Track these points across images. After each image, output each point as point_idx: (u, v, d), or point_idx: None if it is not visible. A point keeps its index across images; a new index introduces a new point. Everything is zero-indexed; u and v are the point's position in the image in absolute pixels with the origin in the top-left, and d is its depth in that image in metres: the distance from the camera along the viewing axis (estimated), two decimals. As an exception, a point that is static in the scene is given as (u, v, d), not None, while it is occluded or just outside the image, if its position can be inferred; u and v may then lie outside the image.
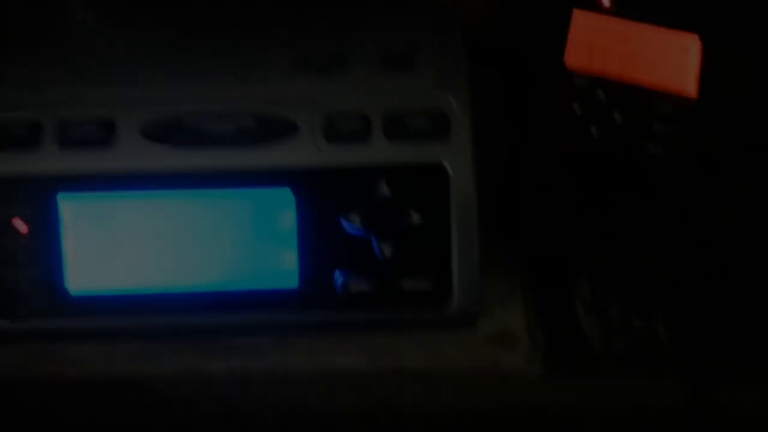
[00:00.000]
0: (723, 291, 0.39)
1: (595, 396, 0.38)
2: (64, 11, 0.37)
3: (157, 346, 0.38)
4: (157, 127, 0.33)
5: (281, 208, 0.33)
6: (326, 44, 0.35)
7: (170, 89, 0.34)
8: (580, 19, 0.38)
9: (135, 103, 0.34)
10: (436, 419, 0.38)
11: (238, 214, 0.33)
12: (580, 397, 0.38)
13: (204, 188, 0.33)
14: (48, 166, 0.33)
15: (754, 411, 0.37)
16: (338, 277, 0.33)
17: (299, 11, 0.37)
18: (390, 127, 0.34)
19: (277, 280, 0.33)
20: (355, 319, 0.34)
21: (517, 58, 0.41)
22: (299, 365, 0.38)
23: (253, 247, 0.33)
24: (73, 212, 0.33)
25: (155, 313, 0.33)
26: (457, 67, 0.35)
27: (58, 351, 0.38)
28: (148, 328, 0.34)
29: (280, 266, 0.33)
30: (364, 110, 0.34)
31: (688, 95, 0.37)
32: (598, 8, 0.38)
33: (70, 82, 0.34)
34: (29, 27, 0.36)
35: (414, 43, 0.36)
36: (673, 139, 0.36)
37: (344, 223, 0.33)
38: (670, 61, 0.37)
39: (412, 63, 0.35)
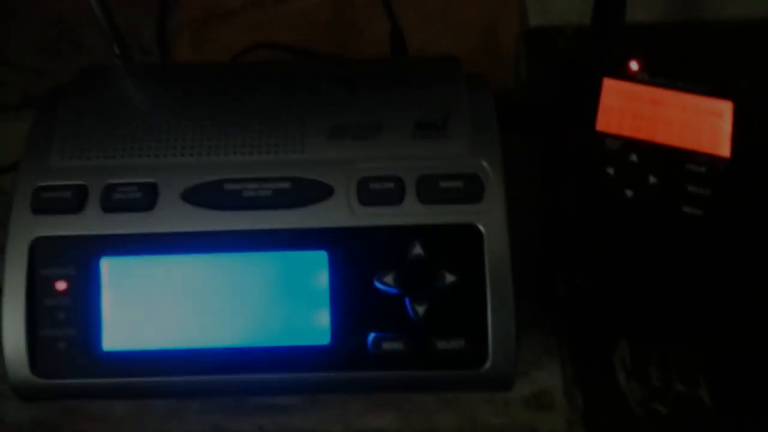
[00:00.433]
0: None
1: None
2: (111, 87, 0.39)
3: (186, 404, 0.38)
4: (197, 192, 0.34)
5: (315, 268, 0.34)
6: (362, 115, 0.36)
7: (210, 157, 0.35)
8: (610, 86, 0.39)
9: (176, 169, 0.35)
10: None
11: (272, 274, 0.34)
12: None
13: (240, 249, 0.34)
14: (91, 229, 0.34)
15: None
16: (371, 337, 0.33)
17: (336, 86, 0.38)
18: (423, 190, 0.34)
19: (310, 339, 0.33)
20: (387, 379, 0.34)
21: (549, 126, 0.42)
22: (330, 426, 0.37)
23: (288, 306, 0.34)
24: (113, 273, 0.34)
25: (189, 372, 0.34)
26: (489, 132, 0.36)
27: (88, 409, 0.38)
28: (181, 387, 0.34)
29: (314, 325, 0.33)
30: (398, 173, 0.35)
31: (722, 157, 0.37)
32: (627, 76, 0.40)
33: (115, 151, 0.36)
34: (78, 101, 0.38)
35: (447, 111, 0.36)
36: (708, 199, 0.36)
37: (377, 284, 0.33)
38: (703, 125, 0.38)
39: (445, 129, 0.36)
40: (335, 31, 0.51)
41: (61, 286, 0.34)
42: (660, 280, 0.35)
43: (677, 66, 0.39)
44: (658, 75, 0.39)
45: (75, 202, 0.34)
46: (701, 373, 0.38)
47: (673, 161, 0.37)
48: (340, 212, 0.34)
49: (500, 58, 0.49)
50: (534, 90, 0.47)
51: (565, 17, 0.50)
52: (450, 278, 0.33)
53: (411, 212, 0.34)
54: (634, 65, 0.39)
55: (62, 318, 0.34)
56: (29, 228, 0.34)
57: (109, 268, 0.34)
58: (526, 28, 0.50)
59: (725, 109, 0.38)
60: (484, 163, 0.35)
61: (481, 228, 0.34)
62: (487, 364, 0.33)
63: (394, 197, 0.34)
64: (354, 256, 0.34)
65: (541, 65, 0.48)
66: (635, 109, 0.38)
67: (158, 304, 0.34)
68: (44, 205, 0.34)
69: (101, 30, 0.40)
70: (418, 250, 0.34)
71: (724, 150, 0.37)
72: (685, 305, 0.36)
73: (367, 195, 0.34)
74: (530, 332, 0.40)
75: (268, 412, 0.38)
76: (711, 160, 0.37)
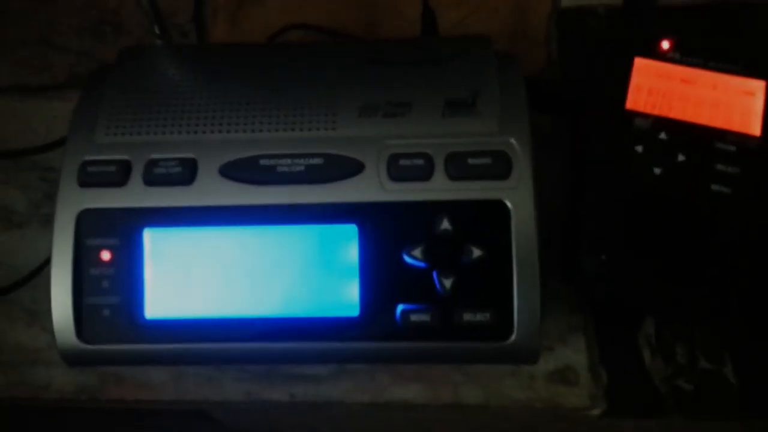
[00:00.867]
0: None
1: (660, 438, 0.37)
2: (152, 66, 0.40)
3: (222, 372, 0.40)
4: (234, 167, 0.36)
5: (346, 241, 0.35)
6: (393, 93, 0.37)
7: (247, 134, 0.37)
8: (641, 65, 0.39)
9: (214, 145, 0.36)
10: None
11: (305, 247, 0.35)
12: (645, 439, 0.37)
13: (274, 222, 0.35)
14: (135, 201, 0.36)
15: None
16: (399, 309, 0.34)
17: (367, 65, 0.39)
18: (452, 166, 0.35)
19: (340, 310, 0.35)
20: (414, 350, 0.35)
21: (579, 105, 0.42)
22: (358, 396, 0.39)
23: (319, 278, 0.35)
24: (155, 244, 0.35)
25: (225, 340, 0.35)
26: (518, 110, 0.36)
27: (129, 375, 0.40)
28: (218, 353, 0.35)
29: (344, 297, 0.35)
30: (427, 150, 0.35)
31: (753, 136, 0.37)
32: (659, 55, 0.40)
33: (157, 128, 0.37)
34: (121, 80, 0.39)
35: (477, 89, 0.37)
36: (737, 177, 0.36)
37: (406, 257, 0.34)
38: (735, 104, 0.38)
39: (475, 107, 0.37)
40: (367, 12, 0.52)
41: (105, 256, 0.36)
42: (687, 257, 0.35)
43: (709, 46, 0.39)
44: (689, 55, 0.39)
45: (119, 176, 0.36)
46: (727, 350, 0.38)
47: (702, 140, 0.37)
48: (370, 187, 0.35)
49: (531, 38, 0.50)
50: (565, 70, 0.47)
51: (598, -3, 0.50)
52: (477, 253, 0.34)
53: (439, 188, 0.35)
54: (665, 44, 0.39)
55: (107, 286, 0.35)
56: (76, 200, 0.36)
57: (150, 239, 0.35)
58: (558, 8, 0.50)
59: (758, 88, 0.38)
60: (513, 141, 0.35)
61: (509, 204, 0.34)
62: (513, 337, 0.34)
63: (423, 173, 0.35)
64: (383, 230, 0.35)
65: (572, 45, 0.48)
66: (666, 88, 0.38)
67: (196, 274, 0.35)
68: (90, 178, 0.36)
69: (141, 12, 0.41)
70: (446, 224, 0.34)
71: (755, 129, 0.37)
72: (711, 282, 0.36)
73: (397, 171, 0.35)
74: (556, 308, 0.40)
75: (299, 381, 0.40)
76: (741, 138, 0.37)
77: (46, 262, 0.42)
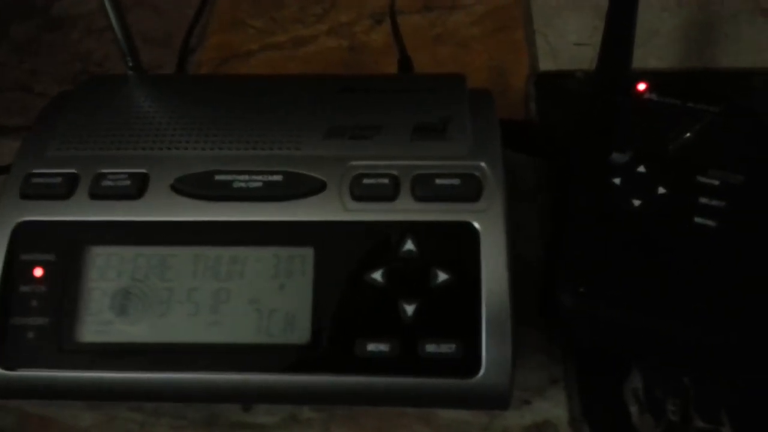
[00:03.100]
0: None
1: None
2: (113, 91, 0.39)
3: (158, 420, 0.35)
4: (187, 182, 0.34)
5: (301, 262, 0.32)
6: (362, 118, 0.36)
7: (205, 151, 0.35)
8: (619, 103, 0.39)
9: (168, 160, 0.34)
10: None
11: (256, 267, 0.32)
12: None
13: (225, 241, 0.33)
14: (76, 215, 0.33)
15: None
16: (355, 337, 0.31)
17: (339, 93, 0.38)
18: (419, 187, 0.33)
19: (289, 336, 0.31)
20: (371, 385, 0.31)
21: (554, 144, 0.41)
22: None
23: (271, 301, 0.32)
24: (93, 260, 0.33)
25: (162, 369, 0.31)
26: (490, 136, 0.35)
27: (53, 418, 0.36)
28: (154, 386, 0.32)
29: (296, 322, 0.31)
30: (393, 171, 0.34)
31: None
32: (635, 96, 0.39)
33: (111, 144, 0.35)
34: (80, 102, 0.38)
35: (448, 116, 0.36)
36: (721, 211, 0.34)
37: (365, 280, 0.31)
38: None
39: (445, 132, 0.35)
40: (349, 72, 0.52)
41: (38, 272, 0.33)
42: (676, 302, 0.32)
43: (684, 87, 0.38)
44: (666, 96, 0.38)
45: (64, 189, 0.34)
46: (724, 408, 0.34)
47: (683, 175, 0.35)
48: (331, 206, 0.33)
49: (510, 98, 0.49)
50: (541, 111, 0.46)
51: (576, 65, 0.51)
52: (443, 276, 0.31)
53: (404, 208, 0.33)
54: (641, 86, 0.39)
55: (35, 306, 0.32)
56: (15, 212, 0.33)
57: (89, 254, 0.33)
58: (536, 71, 0.50)
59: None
60: (483, 164, 0.34)
61: (477, 226, 0.32)
62: (480, 373, 0.30)
63: (388, 193, 0.33)
64: (342, 251, 0.32)
65: (551, 106, 0.48)
66: (643, 124, 0.37)
67: (135, 293, 0.32)
68: (33, 190, 0.34)
69: (124, 63, 0.41)
70: (409, 245, 0.32)
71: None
72: (705, 331, 0.33)
73: (360, 190, 0.33)
74: (535, 359, 0.36)
75: (243, 430, 0.35)
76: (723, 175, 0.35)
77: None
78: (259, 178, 0.34)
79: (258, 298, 0.32)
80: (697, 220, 0.33)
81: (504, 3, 0.56)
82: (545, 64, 0.51)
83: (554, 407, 0.35)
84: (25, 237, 0.33)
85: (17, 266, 0.33)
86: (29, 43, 0.56)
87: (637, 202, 0.34)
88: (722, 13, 0.54)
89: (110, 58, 0.54)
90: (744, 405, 0.34)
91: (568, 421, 0.34)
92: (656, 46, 0.51)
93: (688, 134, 0.36)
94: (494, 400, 0.31)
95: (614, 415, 0.34)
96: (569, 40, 0.53)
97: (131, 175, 0.34)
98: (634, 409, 0.35)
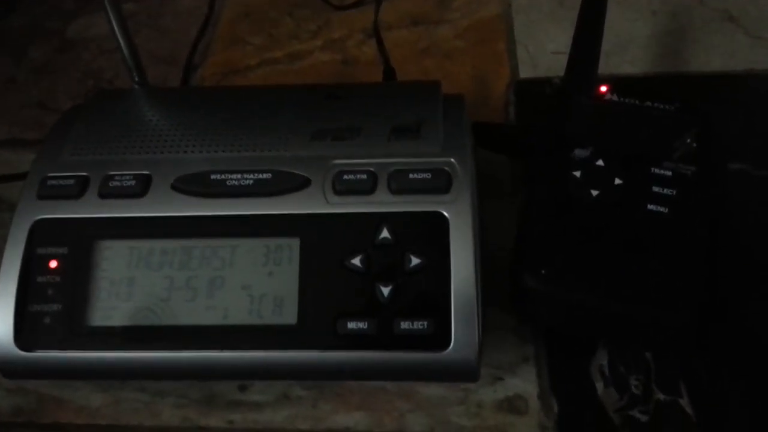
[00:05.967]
0: (751, 358, 0.36)
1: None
2: (121, 102, 0.43)
3: (162, 400, 0.38)
4: (186, 181, 0.37)
5: (289, 251, 0.35)
6: (344, 122, 0.40)
7: (202, 154, 0.39)
8: (581, 104, 0.42)
9: (170, 163, 0.38)
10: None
11: (248, 256, 0.36)
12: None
13: (220, 233, 0.36)
14: (87, 212, 0.37)
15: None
16: (337, 317, 0.34)
17: (324, 100, 0.42)
18: (394, 181, 0.36)
19: (279, 318, 0.34)
20: (352, 360, 0.34)
21: (526, 144, 0.44)
22: (299, 423, 0.37)
23: (262, 286, 0.35)
24: (102, 252, 0.36)
25: (164, 348, 0.35)
26: (460, 135, 0.38)
27: (67, 399, 0.39)
28: (156, 364, 0.35)
29: (284, 305, 0.35)
30: (371, 168, 0.37)
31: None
32: (597, 97, 0.42)
33: (119, 149, 0.39)
34: (92, 112, 0.42)
35: (422, 119, 0.39)
36: (673, 199, 0.36)
37: (345, 265, 0.35)
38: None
39: (419, 133, 0.38)
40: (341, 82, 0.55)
41: (53, 264, 0.36)
42: (639, 281, 0.35)
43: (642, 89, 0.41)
44: (625, 96, 0.41)
45: (76, 190, 0.38)
46: (683, 381, 0.37)
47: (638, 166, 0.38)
48: (314, 200, 0.36)
49: (491, 105, 0.53)
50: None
51: (554, 72, 0.54)
52: (416, 261, 0.34)
53: (381, 201, 0.36)
54: (603, 88, 0.42)
55: (51, 294, 0.36)
56: (32, 211, 0.37)
57: (98, 247, 0.36)
58: (516, 78, 0.54)
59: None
60: (453, 160, 0.37)
61: (447, 215, 0.35)
62: (450, 347, 0.33)
63: (366, 187, 0.36)
64: (325, 239, 0.35)
65: (529, 109, 0.51)
66: (604, 123, 0.40)
67: (140, 282, 0.36)
68: (48, 191, 0.38)
69: (131, 78, 0.45)
70: (385, 234, 0.35)
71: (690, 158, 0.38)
72: (665, 308, 0.35)
73: (341, 185, 0.36)
74: (507, 340, 0.39)
75: (239, 408, 0.38)
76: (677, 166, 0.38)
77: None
78: (250, 176, 0.37)
79: (250, 284, 0.35)
80: (650, 207, 0.36)
81: (486, 17, 0.59)
82: (525, 73, 0.54)
83: (524, 383, 0.38)
84: (42, 233, 0.37)
85: (34, 259, 0.36)
86: (46, 63, 0.60)
87: (595, 192, 0.37)
88: (693, 21, 0.57)
89: (120, 77, 0.58)
90: (701, 378, 0.37)
91: (538, 395, 0.37)
92: (630, 54, 0.55)
93: (645, 130, 0.39)
94: (463, 373, 0.34)
95: (581, 390, 0.37)
96: (548, 49, 0.56)
97: (136, 176, 0.38)
98: (599, 385, 0.37)
